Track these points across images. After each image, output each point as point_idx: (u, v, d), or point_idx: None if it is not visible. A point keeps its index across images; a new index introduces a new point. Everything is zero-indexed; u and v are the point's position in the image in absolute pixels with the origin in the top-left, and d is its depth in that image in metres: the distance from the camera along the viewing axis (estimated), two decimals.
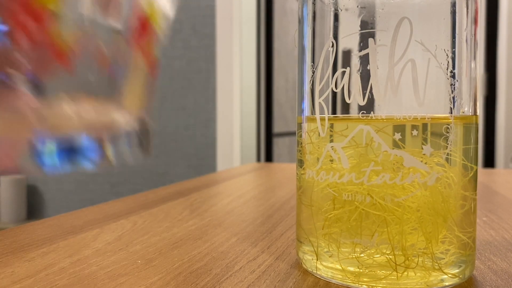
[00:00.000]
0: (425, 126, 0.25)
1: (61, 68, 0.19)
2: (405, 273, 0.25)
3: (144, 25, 0.19)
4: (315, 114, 0.27)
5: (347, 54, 0.26)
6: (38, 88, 0.19)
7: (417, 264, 0.25)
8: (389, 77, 0.25)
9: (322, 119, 0.27)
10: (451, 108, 0.25)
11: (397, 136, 0.25)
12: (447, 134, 0.25)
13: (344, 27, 0.26)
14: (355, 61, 0.25)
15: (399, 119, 0.25)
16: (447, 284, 0.26)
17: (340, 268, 0.26)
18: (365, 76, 0.25)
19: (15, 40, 0.17)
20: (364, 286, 0.25)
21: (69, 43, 0.19)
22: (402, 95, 0.25)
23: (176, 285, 0.26)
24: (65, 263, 0.30)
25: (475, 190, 0.27)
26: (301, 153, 0.29)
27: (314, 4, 0.28)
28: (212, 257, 0.31)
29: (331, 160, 0.26)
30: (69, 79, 0.20)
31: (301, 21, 0.29)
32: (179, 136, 2.08)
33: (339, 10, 0.26)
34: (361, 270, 0.26)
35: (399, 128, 0.25)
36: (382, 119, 0.25)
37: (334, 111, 0.27)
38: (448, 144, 0.25)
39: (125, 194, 2.09)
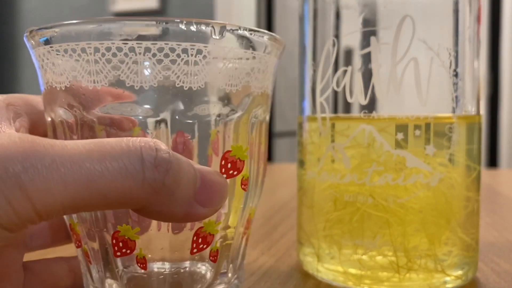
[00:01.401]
0: (428, 125, 0.24)
1: None
2: (408, 275, 0.25)
3: None
4: (316, 114, 0.27)
5: (348, 52, 0.26)
6: None
7: (419, 266, 0.25)
8: (391, 76, 0.24)
9: (323, 119, 0.26)
10: (454, 108, 0.25)
11: (400, 136, 0.24)
12: (450, 134, 0.25)
13: (345, 25, 0.26)
14: (357, 60, 0.25)
15: (402, 118, 0.24)
16: (450, 286, 0.25)
17: (342, 270, 0.26)
18: (367, 75, 0.25)
19: None
20: None
21: None
22: (404, 94, 0.24)
23: None
24: None
25: (479, 191, 0.27)
26: (301, 153, 0.29)
27: (315, 2, 0.27)
28: None
29: (333, 161, 0.26)
30: None
31: (302, 19, 0.29)
32: None
33: (341, 8, 0.26)
34: (363, 272, 0.25)
35: (402, 127, 0.24)
36: (384, 118, 0.25)
37: (335, 111, 0.26)
38: (451, 144, 0.25)
39: None
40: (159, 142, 0.15)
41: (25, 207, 0.13)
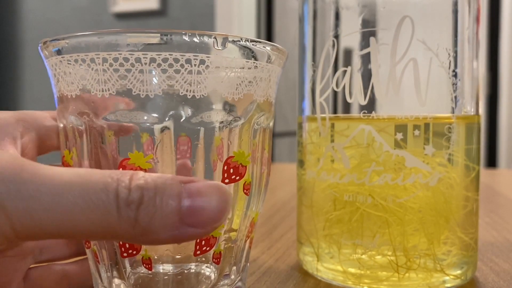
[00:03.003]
0: (427, 126, 0.24)
1: None
2: (407, 274, 0.25)
3: None
4: (316, 114, 0.27)
5: (348, 53, 0.26)
6: None
7: (418, 265, 0.25)
8: (391, 77, 0.24)
9: (323, 119, 0.27)
10: (453, 108, 0.25)
11: (399, 136, 0.25)
12: (449, 134, 0.25)
13: (345, 25, 0.26)
14: (356, 60, 0.25)
15: (401, 118, 0.24)
16: (449, 285, 0.25)
17: (341, 269, 0.26)
18: (366, 76, 0.25)
19: None
20: (365, 287, 0.25)
21: None
22: (403, 94, 0.25)
23: None
24: None
25: (477, 191, 0.27)
26: (301, 153, 0.29)
27: (315, 3, 0.27)
28: None
29: (332, 160, 0.26)
30: None
31: (301, 20, 0.29)
32: None
33: (340, 9, 0.26)
34: (362, 272, 0.25)
35: (401, 128, 0.24)
36: (384, 118, 0.25)
37: (335, 111, 0.27)
38: (450, 144, 0.25)
39: None
40: (136, 177, 0.15)
41: (3, 224, 0.14)
